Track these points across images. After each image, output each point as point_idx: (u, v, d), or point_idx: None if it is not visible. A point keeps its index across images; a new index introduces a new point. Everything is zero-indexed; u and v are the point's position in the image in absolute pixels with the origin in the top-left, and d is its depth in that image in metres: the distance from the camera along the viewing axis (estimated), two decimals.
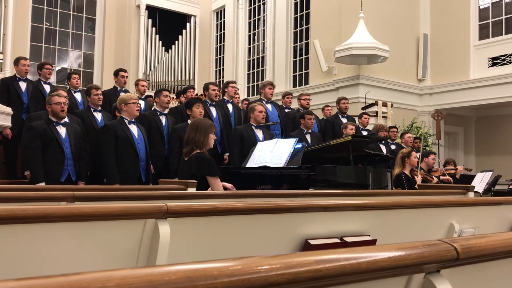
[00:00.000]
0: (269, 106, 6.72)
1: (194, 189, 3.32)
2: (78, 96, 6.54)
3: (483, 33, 10.51)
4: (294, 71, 12.23)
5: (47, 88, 6.44)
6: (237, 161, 5.62)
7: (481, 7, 10.58)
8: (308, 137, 6.35)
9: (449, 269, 0.95)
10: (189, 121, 5.42)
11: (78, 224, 1.43)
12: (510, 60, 9.94)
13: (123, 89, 6.71)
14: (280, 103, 7.58)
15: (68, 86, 7.10)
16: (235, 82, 7.01)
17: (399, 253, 0.83)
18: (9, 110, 5.84)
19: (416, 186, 5.58)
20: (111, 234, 1.49)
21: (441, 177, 6.59)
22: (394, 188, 5.82)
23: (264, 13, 13.33)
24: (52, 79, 11.65)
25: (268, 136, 5.80)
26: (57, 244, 1.40)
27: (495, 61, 10.18)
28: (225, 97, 6.67)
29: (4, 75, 9.40)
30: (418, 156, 6.20)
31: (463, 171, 7.13)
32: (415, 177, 5.93)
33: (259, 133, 5.75)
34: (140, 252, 1.53)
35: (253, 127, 5.74)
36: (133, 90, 7.72)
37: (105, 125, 5.08)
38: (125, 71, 6.83)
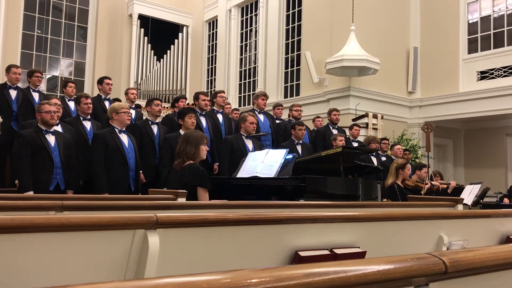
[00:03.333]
0: (261, 117, 6.74)
1: (184, 199, 3.30)
2: (71, 104, 6.48)
3: (472, 47, 10.66)
4: (286, 82, 12.28)
5: (35, 96, 6.39)
6: (226, 170, 5.61)
7: (470, 22, 10.74)
8: (299, 148, 6.36)
9: (438, 282, 0.95)
10: (181, 131, 5.41)
11: (67, 234, 1.42)
12: (498, 74, 10.07)
13: (108, 97, 6.67)
14: (270, 113, 7.61)
15: (59, 94, 7.04)
16: (223, 92, 7.02)
17: (388, 266, 0.83)
18: None
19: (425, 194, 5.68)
20: (100, 244, 1.48)
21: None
22: (386, 198, 5.86)
23: (256, 24, 13.40)
24: (43, 87, 11.61)
25: (258, 147, 5.80)
26: (45, 254, 1.39)
27: (484, 75, 10.31)
28: (214, 107, 6.68)
29: None
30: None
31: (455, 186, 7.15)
32: (422, 189, 6.00)
33: (249, 143, 5.75)
34: (129, 263, 1.52)
35: (244, 137, 5.75)
36: (124, 99, 7.71)
37: (95, 133, 5.06)
38: (109, 78, 6.79)
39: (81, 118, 5.59)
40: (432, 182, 6.72)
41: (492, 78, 10.16)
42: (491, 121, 10.89)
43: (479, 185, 6.72)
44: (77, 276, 1.43)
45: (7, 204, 2.11)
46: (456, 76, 10.66)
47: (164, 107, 10.62)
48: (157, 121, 6.06)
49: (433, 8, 11.17)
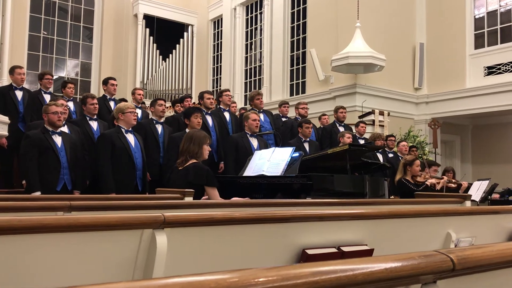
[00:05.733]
0: (261, 116, 6.72)
1: (191, 198, 3.31)
2: (70, 104, 6.48)
3: (479, 42, 10.59)
4: (291, 80, 12.27)
5: (47, 98, 6.39)
6: (232, 169, 5.61)
7: (477, 17, 10.66)
8: (306, 145, 6.36)
9: (446, 280, 0.95)
10: (187, 130, 5.42)
11: (75, 234, 1.42)
12: (505, 69, 10.00)
13: (113, 97, 6.69)
14: (276, 111, 7.60)
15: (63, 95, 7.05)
16: (228, 90, 7.02)
17: (396, 264, 0.83)
18: (6, 119, 5.82)
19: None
20: (108, 244, 1.49)
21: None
22: (394, 195, 5.87)
23: (261, 22, 13.39)
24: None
25: (263, 145, 5.80)
26: (53, 255, 1.40)
27: (491, 70, 10.24)
28: (221, 106, 6.68)
29: (2, 84, 9.40)
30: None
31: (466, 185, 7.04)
32: (436, 185, 6.02)
33: (254, 142, 5.75)
34: (137, 263, 1.52)
35: (248, 136, 5.74)
36: (130, 99, 7.74)
37: (102, 134, 5.08)
38: (114, 79, 6.81)
39: (88, 118, 5.61)
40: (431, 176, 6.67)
41: (499, 73, 10.09)
42: (499, 116, 10.81)
43: (487, 181, 6.68)
44: (86, 277, 1.44)
45: (15, 205, 2.12)
46: (463, 72, 10.60)
47: (169, 106, 10.64)
48: (161, 120, 6.08)
49: (439, 4, 11.10)
